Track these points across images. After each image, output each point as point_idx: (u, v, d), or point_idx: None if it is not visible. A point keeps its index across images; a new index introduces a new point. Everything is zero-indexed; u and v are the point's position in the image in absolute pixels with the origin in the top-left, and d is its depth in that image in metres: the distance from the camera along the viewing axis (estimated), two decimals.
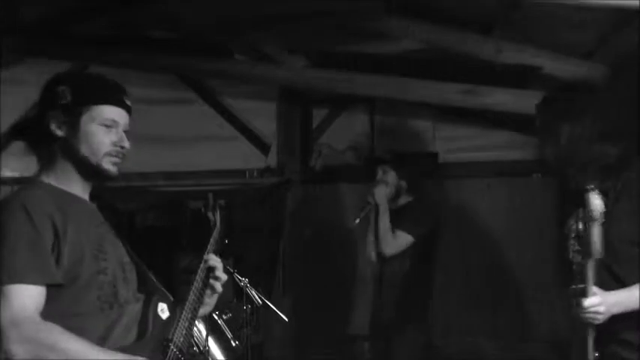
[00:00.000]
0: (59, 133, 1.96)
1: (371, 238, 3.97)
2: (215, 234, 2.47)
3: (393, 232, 3.87)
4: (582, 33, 3.76)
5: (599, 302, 2.24)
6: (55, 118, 1.96)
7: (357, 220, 3.99)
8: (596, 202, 2.19)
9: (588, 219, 2.18)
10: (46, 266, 1.80)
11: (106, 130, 1.98)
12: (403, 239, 3.87)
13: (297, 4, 3.98)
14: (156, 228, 5.20)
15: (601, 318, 2.26)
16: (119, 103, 2.03)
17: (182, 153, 5.35)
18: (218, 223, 2.54)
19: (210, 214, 2.57)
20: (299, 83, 4.67)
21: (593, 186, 2.23)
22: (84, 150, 1.96)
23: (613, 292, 2.29)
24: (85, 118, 1.96)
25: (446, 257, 4.66)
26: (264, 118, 5.39)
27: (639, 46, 3.31)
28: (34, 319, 1.77)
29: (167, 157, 5.11)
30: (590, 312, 2.25)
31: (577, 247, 2.43)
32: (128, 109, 2.05)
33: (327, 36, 4.45)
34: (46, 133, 1.96)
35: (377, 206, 3.92)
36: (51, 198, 1.91)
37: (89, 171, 1.99)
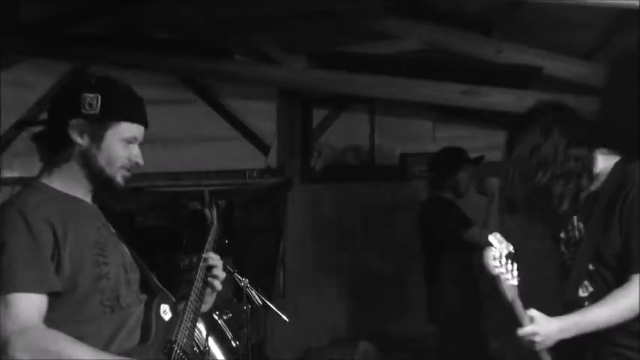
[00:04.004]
0: (79, 141, 1.92)
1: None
2: (213, 232, 2.44)
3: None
4: (582, 33, 3.77)
5: (532, 331, 2.20)
6: (77, 127, 1.91)
7: None
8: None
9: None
10: (47, 274, 1.79)
11: (126, 145, 1.97)
12: None
13: (297, 4, 3.98)
14: (156, 228, 5.19)
15: (539, 345, 2.21)
16: (143, 120, 2.02)
17: (182, 153, 5.35)
18: (215, 221, 2.50)
19: (207, 212, 2.53)
20: (299, 84, 4.66)
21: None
22: (102, 161, 1.94)
23: (558, 319, 2.24)
24: (110, 133, 1.94)
25: None
26: (264, 118, 5.40)
27: (639, 46, 3.31)
28: (39, 327, 1.76)
29: (167, 157, 5.10)
30: (526, 340, 2.22)
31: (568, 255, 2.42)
32: (147, 124, 2.04)
33: (327, 36, 4.45)
34: (64, 138, 1.92)
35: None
36: (51, 202, 1.89)
37: (100, 180, 1.97)
